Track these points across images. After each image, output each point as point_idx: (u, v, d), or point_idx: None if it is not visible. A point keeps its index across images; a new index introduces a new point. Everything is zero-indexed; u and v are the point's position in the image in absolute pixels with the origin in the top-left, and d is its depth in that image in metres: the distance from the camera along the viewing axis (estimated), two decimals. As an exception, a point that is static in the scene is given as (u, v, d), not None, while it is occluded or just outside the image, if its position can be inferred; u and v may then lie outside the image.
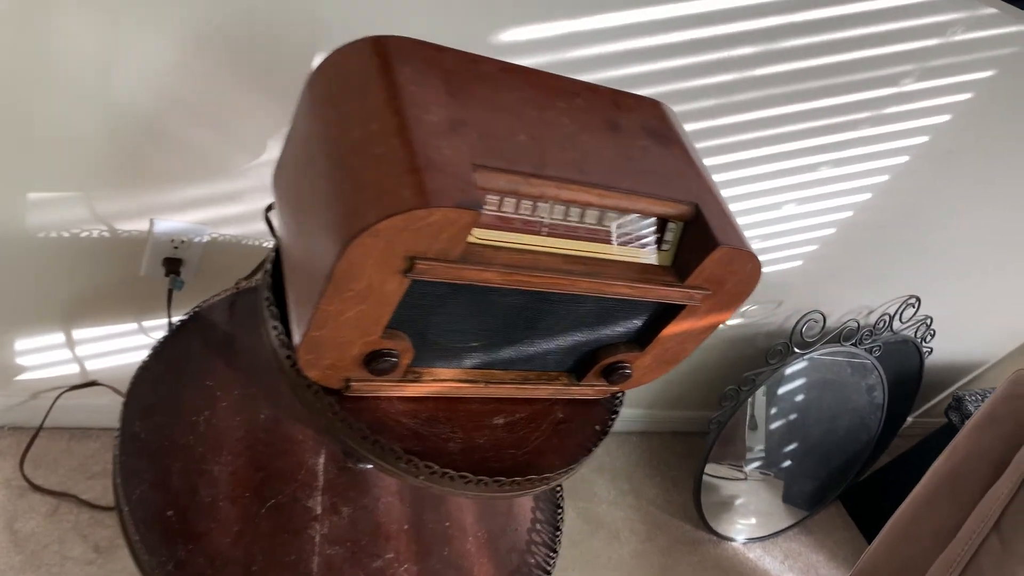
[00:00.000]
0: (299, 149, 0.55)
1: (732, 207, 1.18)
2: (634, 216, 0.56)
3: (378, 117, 0.49)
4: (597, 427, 0.67)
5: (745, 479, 1.58)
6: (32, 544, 1.05)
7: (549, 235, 0.54)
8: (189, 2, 0.74)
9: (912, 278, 1.50)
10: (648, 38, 0.91)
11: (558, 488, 0.92)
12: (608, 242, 0.56)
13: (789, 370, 1.44)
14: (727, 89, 1.01)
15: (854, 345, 1.46)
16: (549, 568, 0.84)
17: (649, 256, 0.58)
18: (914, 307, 1.54)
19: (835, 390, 1.55)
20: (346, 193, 0.47)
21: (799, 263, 1.36)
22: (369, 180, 0.46)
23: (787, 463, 1.59)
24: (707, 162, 1.10)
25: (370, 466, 0.82)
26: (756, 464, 1.56)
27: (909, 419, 1.98)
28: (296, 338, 0.52)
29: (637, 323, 0.63)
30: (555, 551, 0.86)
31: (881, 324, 1.51)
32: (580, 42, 0.89)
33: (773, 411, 1.50)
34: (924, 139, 1.16)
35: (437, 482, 0.57)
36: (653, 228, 0.57)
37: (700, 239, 0.57)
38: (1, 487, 1.08)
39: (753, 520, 1.64)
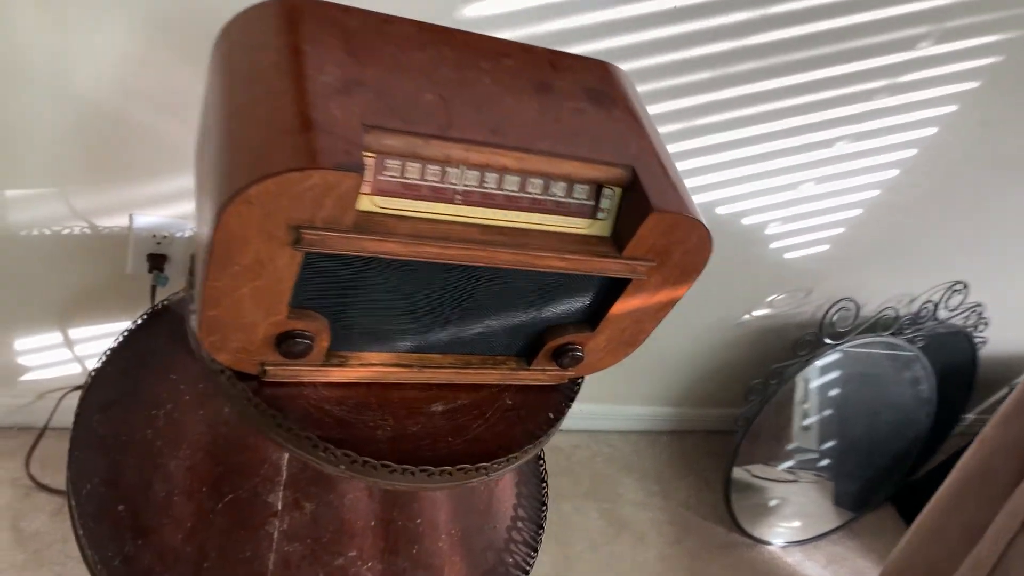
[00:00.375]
0: (202, 119, 0.52)
1: (743, 187, 1.12)
2: (563, 183, 0.51)
3: (263, 78, 0.46)
4: (550, 415, 0.63)
5: (781, 479, 1.50)
6: (36, 543, 1.06)
7: (464, 203, 0.50)
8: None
9: (957, 262, 1.40)
10: (635, 4, 0.86)
11: (543, 484, 0.87)
12: (535, 211, 0.52)
13: (821, 362, 1.36)
14: (725, 59, 0.94)
15: (893, 335, 1.37)
16: (528, 567, 0.80)
17: (585, 226, 0.53)
18: (961, 293, 1.43)
19: (874, 384, 1.45)
20: (225, 161, 0.44)
21: (826, 247, 1.28)
22: (248, 145, 0.43)
23: (826, 462, 1.50)
24: (711, 140, 1.04)
25: (339, 461, 0.80)
26: (791, 463, 1.48)
27: (970, 416, 1.85)
28: (194, 320, 0.50)
29: (584, 301, 0.58)
30: (536, 550, 0.81)
31: (924, 312, 1.41)
32: (560, 12, 0.85)
33: (806, 406, 1.41)
34: (952, 108, 1.07)
35: (359, 471, 0.54)
36: (585, 195, 0.53)
37: (637, 206, 0.52)
38: (7, 486, 1.09)
39: (794, 523, 1.55)
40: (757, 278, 1.32)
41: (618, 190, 0.53)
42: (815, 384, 1.39)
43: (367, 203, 0.47)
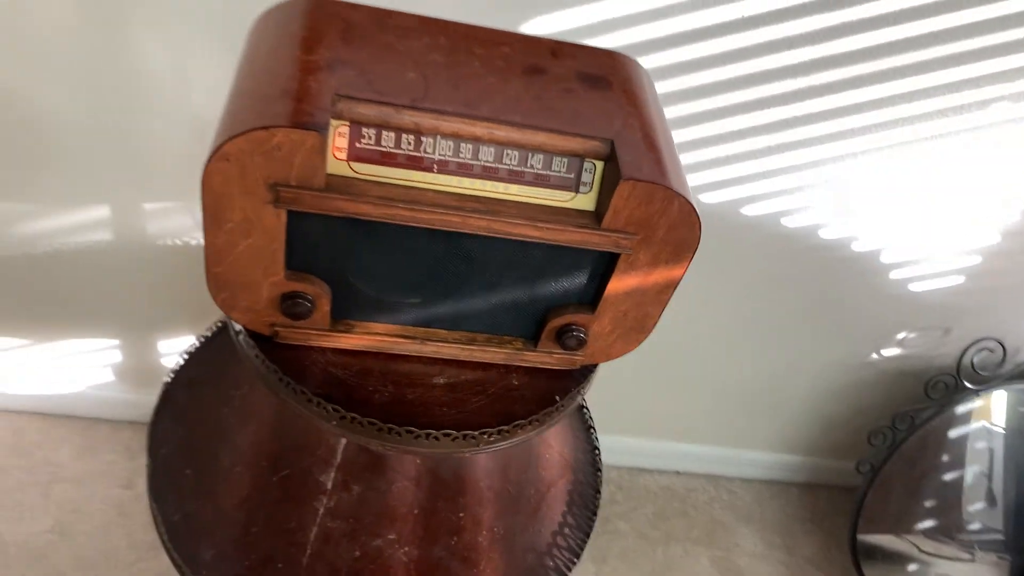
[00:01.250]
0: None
1: (845, 208, 1.06)
2: (540, 155, 0.53)
3: (262, 60, 0.53)
4: (556, 397, 0.63)
5: (921, 544, 1.35)
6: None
7: (441, 172, 0.53)
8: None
9: None
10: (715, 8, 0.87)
11: (597, 494, 0.86)
12: (514, 183, 0.54)
13: (962, 409, 1.23)
14: (811, 67, 0.92)
15: (1051, 382, 1.21)
16: (567, 573, 0.78)
17: (567, 199, 0.55)
18: None
19: (1033, 438, 1.28)
20: (217, 129, 0.50)
21: (959, 280, 1.17)
22: (233, 113, 0.50)
23: (975, 525, 1.33)
24: (806, 156, 1.00)
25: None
26: (932, 523, 1.33)
27: None
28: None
29: (580, 279, 0.59)
30: (578, 556, 0.80)
31: (1093, 359, 1.24)
32: (631, 22, 0.87)
33: (945, 458, 1.27)
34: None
35: (347, 427, 0.57)
36: (565, 168, 0.54)
37: (613, 177, 0.52)
38: (147, 474, 1.23)
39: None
40: (882, 312, 1.22)
41: (600, 163, 0.54)
42: (955, 433, 1.26)
43: (344, 168, 0.52)
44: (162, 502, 0.74)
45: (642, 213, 0.53)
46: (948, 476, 1.28)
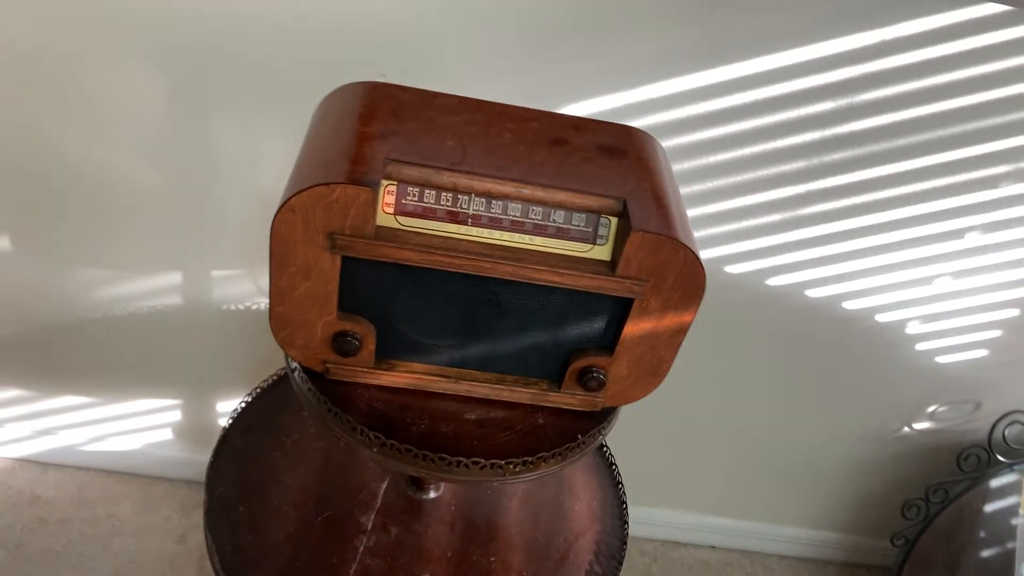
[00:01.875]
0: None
1: (870, 280, 1.11)
2: (561, 211, 0.61)
3: (327, 131, 0.62)
4: (578, 435, 0.68)
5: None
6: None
7: (474, 225, 0.61)
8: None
9: None
10: (738, 95, 0.96)
11: (623, 545, 0.89)
12: (538, 235, 0.61)
13: (996, 483, 1.23)
14: (828, 146, 0.99)
15: (1086, 457, 1.21)
16: (592, 618, 0.82)
17: (586, 250, 0.62)
18: None
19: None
20: (285, 188, 0.60)
21: (983, 353, 1.20)
22: (300, 174, 0.59)
23: (1018, 606, 1.30)
24: (830, 228, 1.06)
25: (432, 495, 0.89)
26: (973, 603, 1.30)
27: None
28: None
29: (599, 325, 0.66)
30: (603, 603, 0.83)
31: None
32: (660, 106, 0.96)
33: (982, 534, 1.27)
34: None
35: (387, 454, 0.63)
36: (583, 223, 0.62)
37: (626, 229, 0.60)
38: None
39: None
40: (910, 385, 1.25)
41: (614, 219, 0.62)
42: (991, 508, 1.25)
43: (392, 221, 0.60)
44: (217, 534, 0.80)
45: (652, 262, 0.60)
46: (987, 552, 1.27)
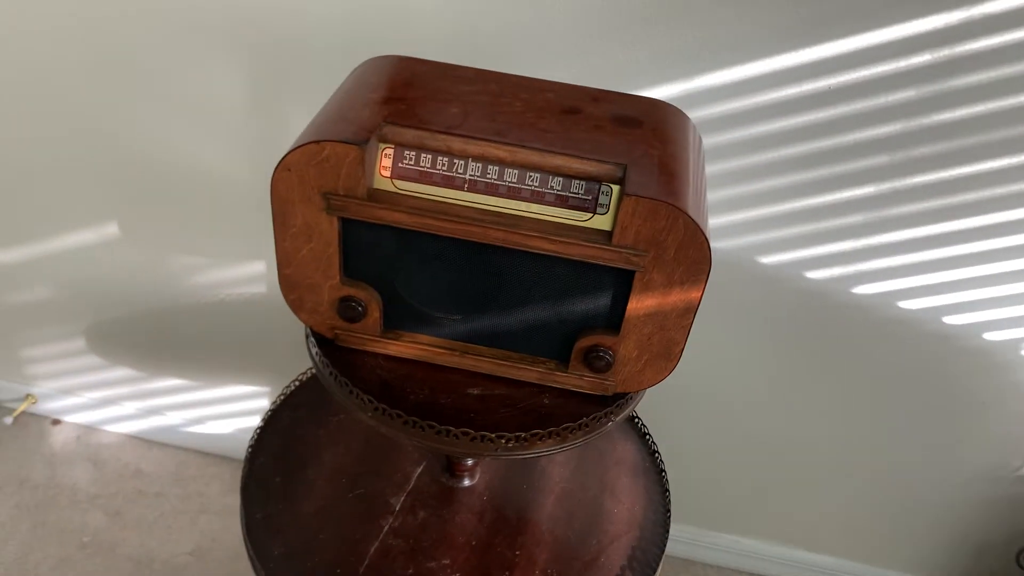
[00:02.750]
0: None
1: (969, 292, 1.00)
2: (559, 177, 0.59)
3: (338, 99, 0.63)
4: (583, 419, 0.65)
5: None
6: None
7: (470, 191, 0.60)
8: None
9: None
10: (809, 83, 0.90)
11: (659, 552, 0.84)
12: (535, 202, 0.60)
13: None
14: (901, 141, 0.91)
15: None
16: (615, 624, 0.77)
17: (585, 219, 0.60)
18: None
19: None
20: (293, 149, 0.61)
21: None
22: (300, 136, 0.60)
23: None
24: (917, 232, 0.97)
25: (466, 483, 0.88)
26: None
27: None
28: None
29: (603, 301, 0.63)
30: (629, 610, 0.78)
31: None
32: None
33: (1119, 596, 1.09)
34: None
35: (379, 419, 0.63)
36: (583, 190, 0.59)
37: (623, 196, 0.57)
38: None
39: None
40: (1029, 416, 1.11)
41: (616, 187, 0.59)
42: None
43: (388, 184, 0.60)
44: (249, 501, 0.83)
45: (649, 230, 0.57)
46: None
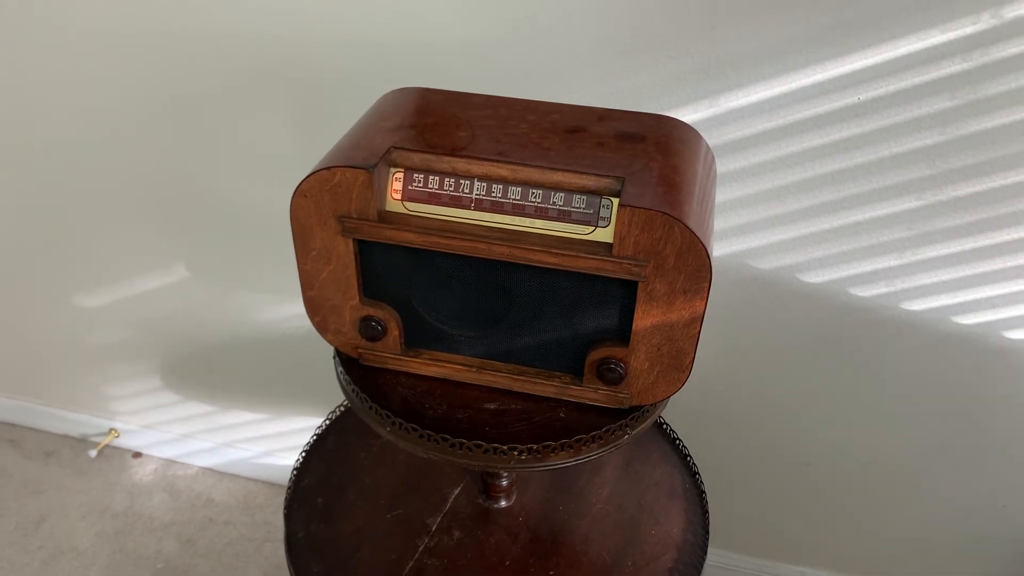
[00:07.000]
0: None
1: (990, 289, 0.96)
2: (561, 192, 0.61)
3: (351, 130, 0.67)
4: (597, 433, 0.66)
5: None
6: None
7: (477, 209, 0.62)
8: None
9: None
10: (839, 94, 0.90)
11: (694, 574, 0.83)
12: (539, 218, 0.61)
13: None
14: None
15: None
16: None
17: (587, 232, 0.61)
18: None
19: None
20: (312, 178, 0.65)
21: None
22: (316, 165, 0.64)
23: None
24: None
25: (503, 504, 0.89)
26: None
27: None
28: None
29: (612, 314, 0.63)
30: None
31: None
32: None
33: None
34: None
35: (397, 434, 0.65)
36: (584, 204, 0.61)
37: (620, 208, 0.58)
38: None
39: None
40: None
41: (616, 200, 0.60)
42: None
43: (399, 206, 0.63)
44: (292, 521, 0.86)
45: (647, 240, 0.58)
46: None
